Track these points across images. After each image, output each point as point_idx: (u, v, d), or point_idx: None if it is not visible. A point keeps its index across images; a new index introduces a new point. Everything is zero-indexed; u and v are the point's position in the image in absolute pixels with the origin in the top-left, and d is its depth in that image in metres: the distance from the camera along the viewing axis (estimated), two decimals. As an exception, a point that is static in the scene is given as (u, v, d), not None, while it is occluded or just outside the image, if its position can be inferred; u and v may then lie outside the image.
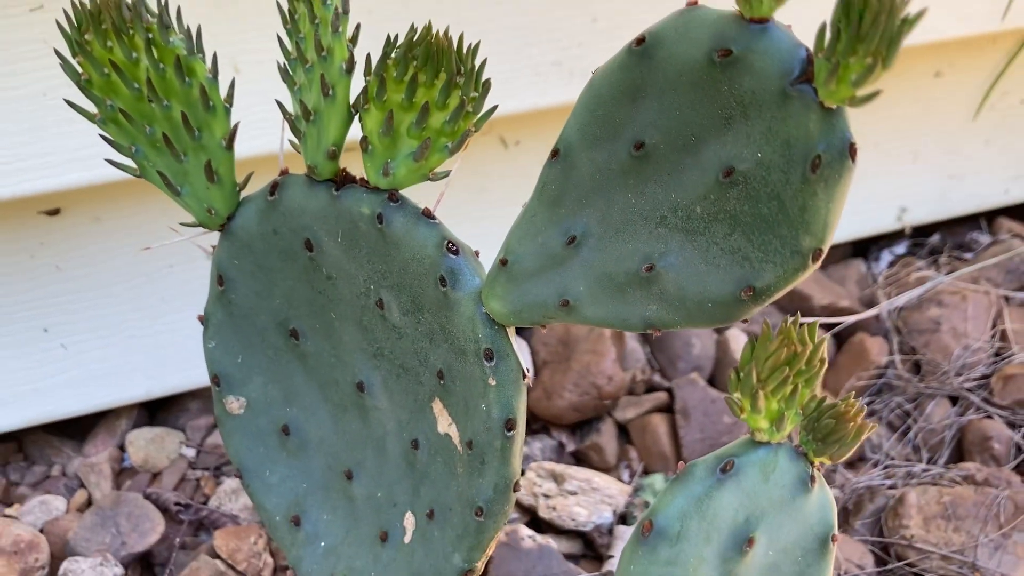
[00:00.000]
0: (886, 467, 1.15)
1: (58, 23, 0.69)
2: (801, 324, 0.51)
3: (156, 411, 1.26)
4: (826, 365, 0.52)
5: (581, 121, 0.55)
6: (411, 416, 0.69)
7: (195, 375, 1.19)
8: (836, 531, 0.56)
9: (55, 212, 1.07)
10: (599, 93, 0.53)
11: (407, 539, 0.69)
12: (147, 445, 1.21)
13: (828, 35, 0.43)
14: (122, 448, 1.22)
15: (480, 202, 1.21)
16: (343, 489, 0.73)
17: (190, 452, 1.21)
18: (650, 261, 0.54)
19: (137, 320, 1.14)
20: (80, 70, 0.70)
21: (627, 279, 0.55)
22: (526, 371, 0.64)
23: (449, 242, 0.64)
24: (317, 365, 0.74)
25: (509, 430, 0.62)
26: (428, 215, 0.66)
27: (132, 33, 0.67)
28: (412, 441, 0.69)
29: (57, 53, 0.71)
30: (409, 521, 0.69)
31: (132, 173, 0.73)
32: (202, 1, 0.97)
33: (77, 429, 1.24)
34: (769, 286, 0.49)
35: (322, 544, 0.73)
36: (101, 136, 0.72)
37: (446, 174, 0.67)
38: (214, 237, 0.76)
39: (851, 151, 0.45)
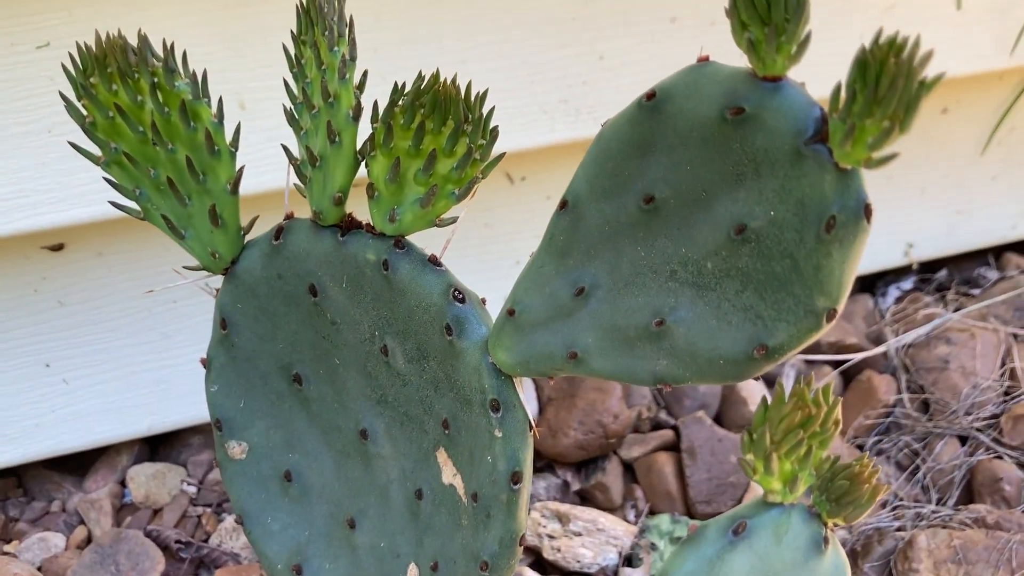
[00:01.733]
0: (895, 508, 1.14)
1: (63, 66, 0.69)
2: (815, 388, 0.50)
3: (158, 446, 1.25)
4: (840, 427, 0.51)
5: (590, 173, 0.54)
6: (415, 465, 0.68)
7: (197, 410, 1.18)
8: (850, 595, 0.54)
9: (59, 247, 1.06)
10: (608, 146, 0.53)
11: (410, 591, 0.68)
12: (148, 481, 1.19)
13: (843, 95, 0.42)
14: (123, 484, 1.21)
15: (485, 237, 1.21)
16: (345, 538, 0.72)
17: (192, 488, 1.20)
18: (660, 315, 0.53)
19: (139, 355, 1.13)
20: (85, 112, 0.69)
21: (637, 333, 0.54)
22: (532, 423, 0.63)
23: (455, 290, 0.63)
24: (320, 411, 0.73)
25: (515, 483, 0.61)
26: (435, 262, 0.65)
27: (137, 77, 0.67)
28: (416, 491, 0.68)
29: (62, 95, 0.70)
30: (413, 573, 0.68)
31: (136, 216, 0.73)
32: (209, 38, 0.97)
33: (78, 464, 1.23)
34: (782, 345, 0.48)
35: (323, 595, 0.71)
36: (105, 179, 0.71)
37: (453, 220, 0.67)
38: (218, 279, 0.76)
39: (867, 212, 0.44)
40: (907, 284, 1.45)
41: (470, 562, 0.63)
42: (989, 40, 1.25)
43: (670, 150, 0.50)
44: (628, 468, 1.22)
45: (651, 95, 0.49)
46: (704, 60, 0.48)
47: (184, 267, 0.73)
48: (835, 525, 0.53)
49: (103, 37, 0.67)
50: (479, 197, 1.32)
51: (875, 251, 1.42)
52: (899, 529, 1.11)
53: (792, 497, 0.53)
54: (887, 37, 0.39)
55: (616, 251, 0.55)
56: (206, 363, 0.75)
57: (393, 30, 1.00)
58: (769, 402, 0.51)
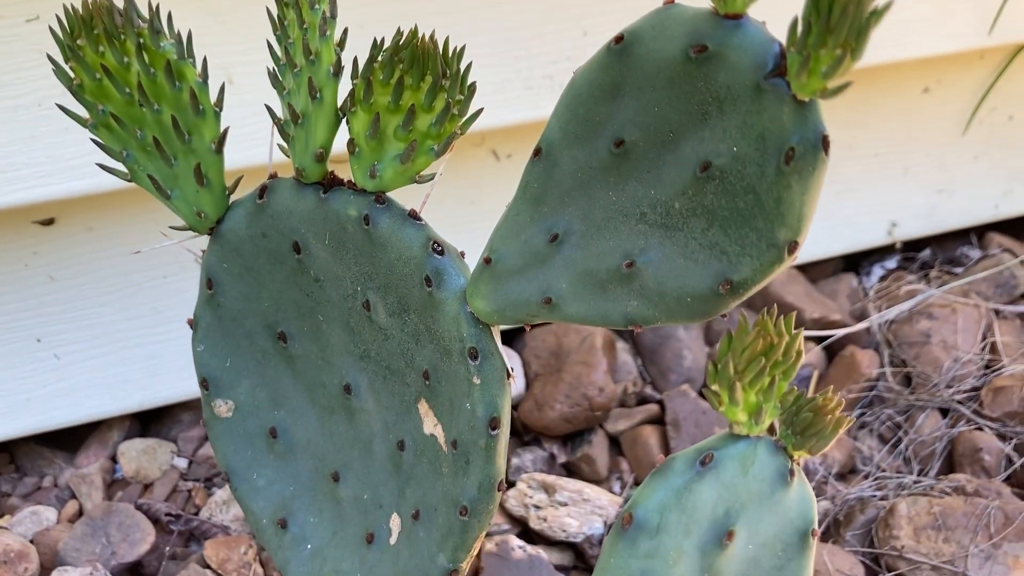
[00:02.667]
0: (877, 479, 1.15)
1: (51, 28, 0.70)
2: (778, 316, 0.51)
3: (148, 422, 1.27)
4: (803, 357, 0.53)
5: (562, 120, 0.56)
6: (397, 417, 0.70)
7: (187, 386, 1.20)
8: (816, 525, 0.56)
9: (49, 222, 1.08)
10: (579, 92, 0.54)
11: (393, 540, 0.69)
12: (139, 456, 1.21)
13: (800, 29, 0.44)
14: (114, 459, 1.22)
15: (472, 214, 1.22)
16: (330, 491, 0.73)
17: (182, 463, 1.21)
18: (630, 257, 0.54)
19: (130, 330, 1.15)
20: (72, 75, 0.71)
21: (608, 276, 0.55)
22: (510, 371, 0.64)
23: (434, 242, 0.65)
24: (305, 368, 0.74)
25: (493, 429, 0.63)
26: (414, 216, 0.66)
27: (123, 38, 0.68)
28: (398, 442, 0.69)
29: (50, 58, 0.72)
30: (395, 522, 0.69)
31: (123, 177, 0.74)
32: (197, 12, 0.98)
33: (69, 440, 1.24)
34: (746, 279, 0.50)
35: (308, 546, 0.73)
36: (92, 141, 0.73)
37: (432, 176, 0.68)
38: (204, 241, 0.77)
39: (824, 143, 0.46)
40: (891, 263, 1.46)
41: (450, 508, 0.65)
42: (969, 18, 1.27)
43: (638, 92, 0.52)
44: (614, 441, 1.24)
45: (619, 38, 0.51)
46: (669, 3, 0.50)
47: (171, 227, 0.75)
48: (800, 458, 0.55)
49: (90, 1, 0.69)
50: (465, 174, 1.33)
51: (859, 230, 1.43)
52: (881, 499, 1.12)
53: (758, 430, 0.54)
54: (840, -31, 0.41)
55: (589, 196, 0.56)
56: (193, 323, 0.77)
57: (380, 3, 1.02)
58: (733, 334, 0.53)
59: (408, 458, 0.69)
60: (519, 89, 1.13)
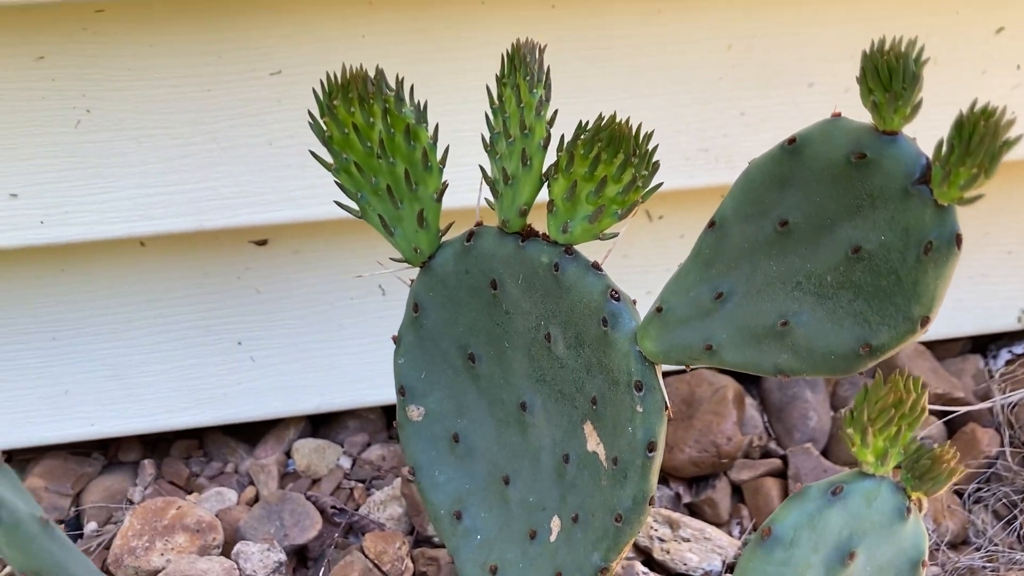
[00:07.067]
0: (988, 551, 1.21)
1: (313, 89, 0.87)
2: (908, 376, 0.62)
3: (319, 425, 1.43)
4: (926, 414, 0.63)
5: (736, 200, 0.68)
6: (564, 435, 0.82)
7: (358, 396, 1.35)
8: (926, 558, 0.65)
9: (263, 243, 1.26)
10: (753, 179, 0.67)
11: (552, 538, 0.81)
12: (310, 454, 1.37)
13: (944, 149, 0.55)
14: (288, 454, 1.39)
15: (623, 266, 1.35)
16: (500, 492, 0.86)
17: (346, 463, 1.37)
18: (785, 318, 0.66)
19: (316, 342, 1.31)
20: (325, 128, 0.87)
21: (764, 331, 0.67)
22: (668, 405, 0.76)
23: (612, 290, 0.78)
24: (488, 385, 0.88)
25: (650, 451, 0.75)
26: (596, 267, 0.80)
27: (372, 103, 0.84)
28: (564, 455, 0.82)
29: (309, 113, 0.88)
30: (555, 523, 0.82)
31: (355, 215, 0.90)
32: (408, 77, 1.15)
33: (250, 434, 1.41)
34: (883, 344, 0.61)
35: (479, 537, 0.86)
36: (336, 183, 0.89)
37: (614, 235, 0.81)
38: (412, 272, 0.92)
39: (957, 240, 0.57)
40: (1019, 348, 1.51)
41: (607, 515, 0.77)
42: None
43: (804, 185, 0.64)
44: (736, 489, 1.33)
45: (792, 140, 0.63)
46: (836, 116, 0.62)
47: (390, 258, 0.90)
48: (918, 499, 0.64)
49: (347, 68, 0.85)
50: (621, 231, 1.47)
51: (989, 314, 1.49)
52: (992, 572, 1.18)
53: (883, 470, 0.65)
54: (980, 105, 0.52)
55: (752, 264, 0.68)
56: (397, 340, 0.92)
57: (568, 79, 1.16)
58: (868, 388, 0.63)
59: (571, 470, 0.81)
60: (677, 159, 1.26)
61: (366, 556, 1.22)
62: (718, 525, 1.28)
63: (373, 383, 1.35)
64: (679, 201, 1.33)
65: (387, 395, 1.36)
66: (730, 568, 1.21)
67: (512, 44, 0.81)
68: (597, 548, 0.77)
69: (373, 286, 1.30)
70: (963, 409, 1.35)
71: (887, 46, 0.57)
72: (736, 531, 1.28)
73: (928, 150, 0.58)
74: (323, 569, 1.21)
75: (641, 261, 1.36)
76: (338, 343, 1.31)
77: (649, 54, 1.18)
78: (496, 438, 0.87)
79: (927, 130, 0.64)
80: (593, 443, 0.80)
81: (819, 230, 0.64)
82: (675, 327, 0.73)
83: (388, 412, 1.45)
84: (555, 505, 0.82)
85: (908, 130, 0.60)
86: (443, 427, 0.89)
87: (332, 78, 0.85)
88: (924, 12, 1.25)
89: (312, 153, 0.89)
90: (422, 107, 0.85)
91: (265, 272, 1.27)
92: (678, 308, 0.73)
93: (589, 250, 0.83)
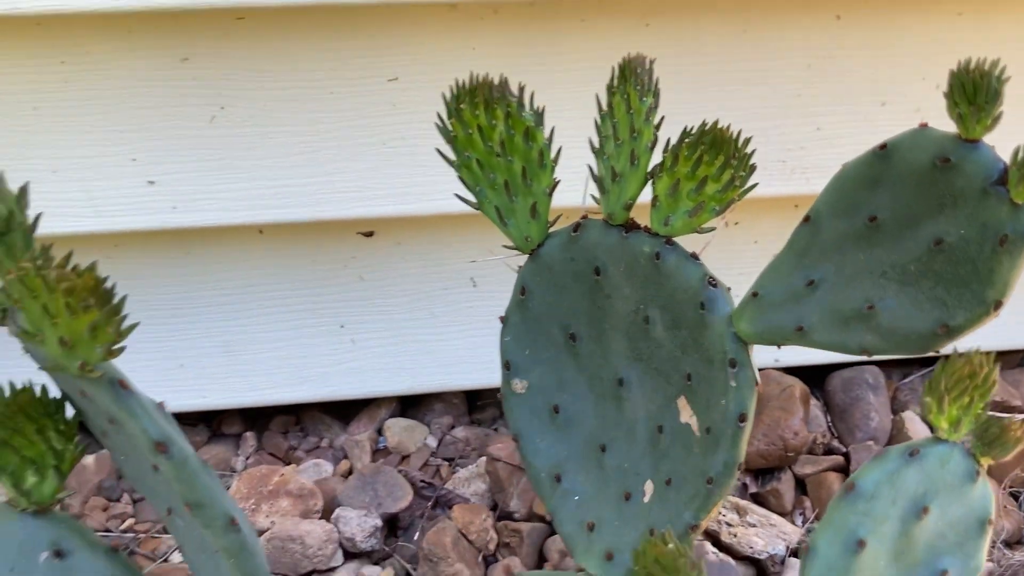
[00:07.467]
0: (1042, 549, 1.28)
1: (443, 94, 0.97)
2: (982, 351, 0.70)
3: (407, 407, 1.54)
4: (996, 386, 0.71)
5: (830, 197, 0.77)
6: (659, 408, 0.92)
7: (446, 380, 1.46)
8: (993, 516, 0.73)
9: (369, 234, 1.37)
10: (846, 179, 0.76)
11: (646, 499, 0.90)
12: (400, 432, 1.47)
13: (1020, 155, 0.64)
14: (379, 432, 1.50)
15: (699, 268, 1.43)
16: (597, 459, 0.95)
17: (432, 443, 1.47)
18: (871, 302, 0.74)
19: (412, 328, 1.42)
20: (451, 129, 0.97)
21: (852, 314, 0.76)
22: (758, 381, 0.85)
23: (710, 278, 0.87)
24: (587, 363, 0.97)
25: (742, 421, 0.84)
26: (695, 257, 0.89)
27: (495, 107, 0.95)
28: (658, 427, 0.91)
29: (438, 115, 0.98)
30: (648, 487, 0.91)
31: (473, 207, 1.00)
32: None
33: (344, 412, 1.52)
34: (960, 325, 0.70)
35: (576, 498, 0.95)
36: (459, 178, 0.99)
37: (711, 229, 0.90)
38: (519, 259, 1.02)
39: (1031, 234, 0.66)
40: (1075, 362, 1.57)
41: (698, 478, 0.86)
42: None
43: (892, 185, 0.73)
44: (800, 483, 1.41)
45: (883, 146, 0.72)
46: (923, 126, 0.71)
47: (503, 246, 1.00)
48: (986, 463, 0.72)
49: (473, 75, 0.95)
50: (694, 236, 1.56)
51: (1048, 329, 1.56)
52: (1044, 568, 1.25)
53: (956, 437, 0.73)
54: (1055, 117, 0.61)
55: (842, 255, 0.77)
56: (504, 319, 1.01)
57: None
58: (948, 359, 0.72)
59: (665, 439, 0.90)
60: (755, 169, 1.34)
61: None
62: (782, 515, 1.36)
63: (461, 368, 1.45)
64: (754, 208, 1.41)
65: (473, 380, 1.46)
66: (794, 553, 1.29)
67: (623, 57, 0.91)
68: (688, 507, 0.86)
69: (465, 278, 1.41)
70: (1020, 417, 1.41)
71: (972, 65, 0.66)
72: (799, 521, 1.36)
73: (1004, 155, 0.67)
74: (416, 534, 1.31)
75: (714, 266, 1.44)
76: (431, 330, 1.42)
77: (735, 70, 1.28)
78: (594, 410, 0.96)
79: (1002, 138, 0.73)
80: (687, 415, 0.89)
81: (904, 225, 0.73)
82: (769, 310, 0.82)
83: (471, 397, 1.56)
84: (648, 471, 0.91)
85: (987, 138, 0.69)
86: (544, 399, 0.98)
87: (460, 84, 0.96)
88: (993, 40, 1.33)
89: (438, 151, 1.00)
90: (540, 111, 0.96)
91: (369, 261, 1.38)
92: (773, 293, 0.82)
93: (685, 242, 0.92)
